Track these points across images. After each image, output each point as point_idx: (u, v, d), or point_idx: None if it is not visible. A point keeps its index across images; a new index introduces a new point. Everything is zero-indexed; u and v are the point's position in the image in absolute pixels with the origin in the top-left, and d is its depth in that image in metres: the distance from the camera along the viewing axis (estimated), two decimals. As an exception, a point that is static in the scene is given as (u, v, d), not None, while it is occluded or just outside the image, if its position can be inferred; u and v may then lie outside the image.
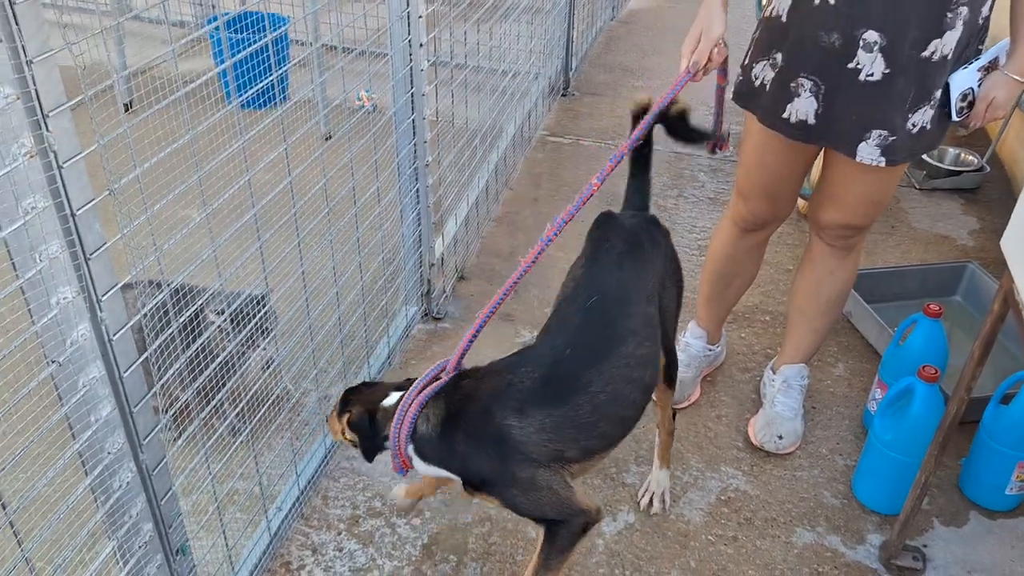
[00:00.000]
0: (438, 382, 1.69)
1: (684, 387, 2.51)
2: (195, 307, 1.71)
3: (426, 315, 2.91)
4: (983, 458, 2.22)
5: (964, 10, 1.78)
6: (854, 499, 2.26)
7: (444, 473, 1.68)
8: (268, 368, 2.06)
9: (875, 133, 1.91)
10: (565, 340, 1.68)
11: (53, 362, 1.16)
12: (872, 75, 1.85)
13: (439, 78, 2.91)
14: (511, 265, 3.25)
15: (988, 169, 3.80)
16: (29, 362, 1.19)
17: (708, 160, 3.98)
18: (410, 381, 1.74)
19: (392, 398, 1.72)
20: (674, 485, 2.28)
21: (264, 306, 1.99)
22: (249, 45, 1.69)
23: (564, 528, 1.64)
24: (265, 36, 1.67)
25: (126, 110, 3.98)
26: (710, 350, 2.60)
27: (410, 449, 1.66)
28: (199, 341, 1.60)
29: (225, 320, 1.87)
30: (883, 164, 1.94)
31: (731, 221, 2.35)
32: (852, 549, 2.12)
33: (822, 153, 2.14)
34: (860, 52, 1.84)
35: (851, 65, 1.86)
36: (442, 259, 2.98)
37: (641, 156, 2.01)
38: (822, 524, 2.18)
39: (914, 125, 1.91)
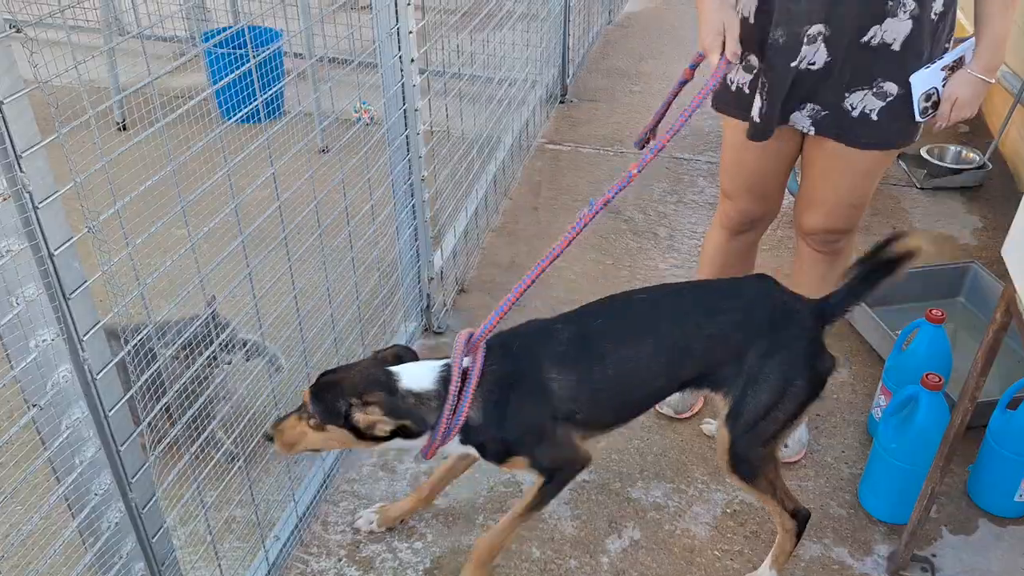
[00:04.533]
0: (476, 363, 1.67)
1: (686, 399, 2.47)
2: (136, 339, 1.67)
3: (427, 330, 2.88)
4: (991, 464, 2.18)
5: (911, 3, 1.79)
6: (860, 509, 2.22)
7: (473, 451, 1.77)
8: (249, 356, 2.05)
9: (808, 106, 1.95)
10: (601, 313, 1.81)
11: (34, 406, 1.14)
12: (814, 64, 1.89)
13: (434, 90, 2.89)
14: (512, 275, 3.22)
15: (990, 166, 3.76)
16: (9, 407, 1.17)
17: (707, 165, 3.95)
18: (397, 357, 1.74)
19: (415, 380, 1.67)
20: (679, 499, 2.26)
21: (214, 320, 1.94)
22: (242, 60, 1.67)
23: (562, 475, 1.83)
24: (259, 52, 1.66)
25: (122, 130, 3.98)
26: None
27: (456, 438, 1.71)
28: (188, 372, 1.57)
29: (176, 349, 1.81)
30: (812, 132, 1.97)
31: (720, 225, 2.35)
32: (860, 561, 2.08)
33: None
34: (804, 47, 1.87)
35: (794, 64, 1.89)
36: (441, 273, 2.96)
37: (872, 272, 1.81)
38: (829, 535, 2.15)
39: (852, 107, 1.92)
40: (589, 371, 1.73)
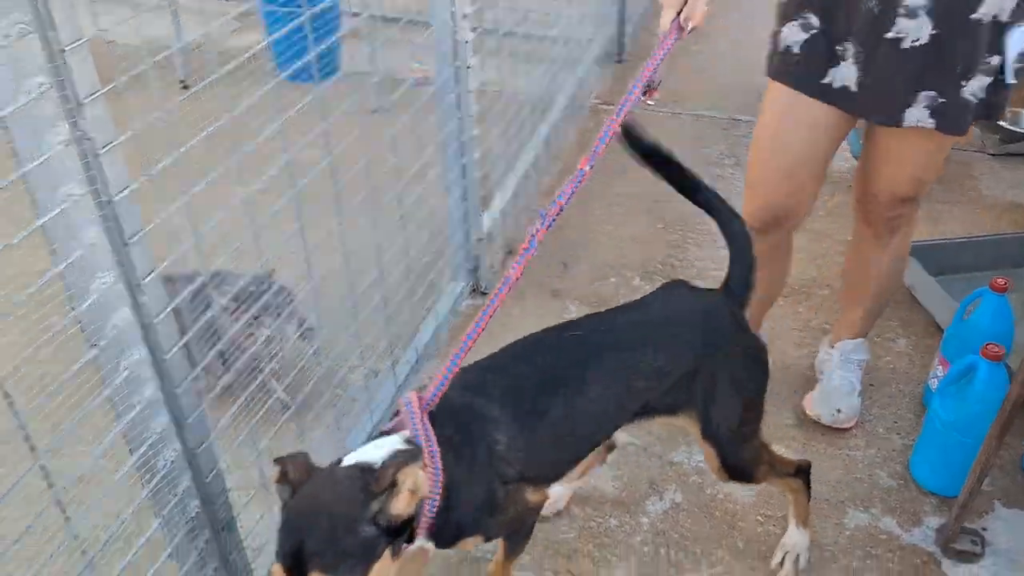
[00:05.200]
0: (431, 434, 1.35)
1: None
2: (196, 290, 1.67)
3: (474, 291, 2.90)
4: (1051, 439, 2.12)
5: None
6: (911, 480, 2.18)
7: (430, 545, 1.44)
8: (304, 336, 2.09)
9: (923, 95, 1.78)
10: (532, 359, 1.57)
11: (94, 346, 1.19)
12: (918, 40, 1.73)
13: (486, 48, 2.87)
14: (560, 239, 3.21)
15: (1067, 132, 3.59)
16: (69, 347, 1.22)
17: (766, 127, 3.85)
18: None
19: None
20: (723, 463, 2.25)
21: (269, 286, 1.98)
22: (300, 17, 1.69)
23: (520, 531, 1.65)
24: (315, 7, 1.67)
25: (185, 88, 4.06)
26: None
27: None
28: (236, 327, 1.62)
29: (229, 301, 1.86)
30: (932, 126, 1.80)
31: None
32: (908, 532, 2.05)
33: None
34: (900, 20, 1.72)
35: (890, 35, 1.74)
36: (490, 234, 2.96)
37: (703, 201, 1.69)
38: (876, 505, 2.12)
39: (973, 95, 1.79)
40: (532, 428, 1.49)
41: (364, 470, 1.24)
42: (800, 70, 1.88)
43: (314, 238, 1.84)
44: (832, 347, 2.42)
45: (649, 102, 1.78)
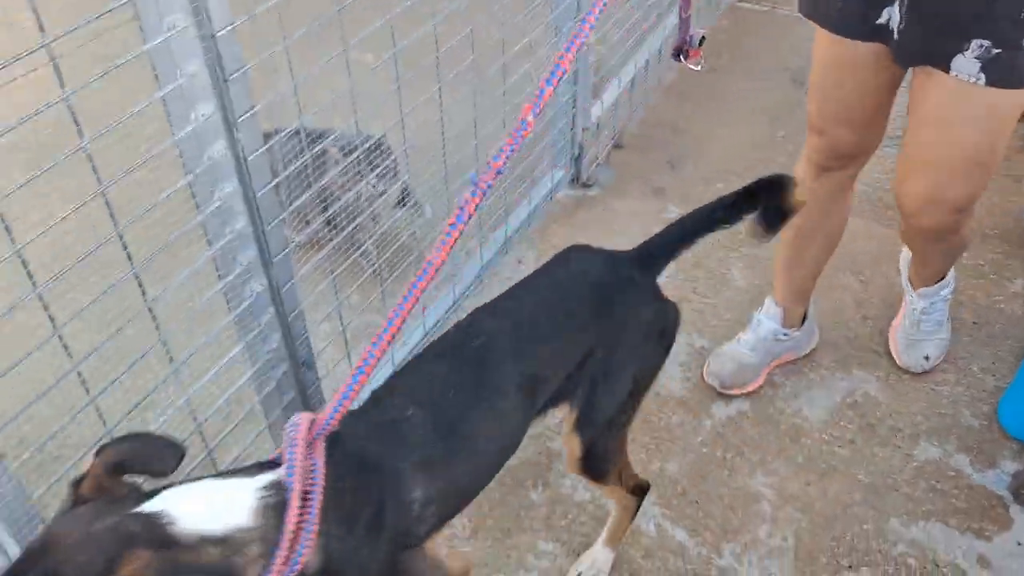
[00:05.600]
0: (319, 475, 1.05)
1: (744, 371, 2.16)
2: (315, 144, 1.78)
3: (574, 180, 2.89)
4: None
5: None
6: (996, 423, 2.09)
7: None
8: (404, 203, 2.15)
9: (975, 44, 1.51)
10: (446, 376, 1.33)
11: (189, 173, 1.28)
12: None
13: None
14: (676, 137, 3.13)
15: None
16: (170, 176, 1.31)
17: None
18: (133, 458, 0.99)
19: (209, 517, 0.96)
20: (798, 380, 2.21)
21: (380, 146, 2.04)
22: None
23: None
24: None
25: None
26: (785, 335, 2.18)
27: None
28: (328, 176, 1.69)
29: (345, 156, 1.95)
30: (982, 82, 1.52)
31: (807, 159, 1.96)
32: (980, 472, 1.98)
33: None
34: None
35: None
36: (598, 124, 2.92)
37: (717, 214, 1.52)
38: (952, 442, 2.05)
39: None
40: (451, 470, 1.26)
41: (145, 525, 0.93)
42: (841, 16, 1.67)
43: (411, 104, 1.87)
44: (915, 292, 2.27)
45: (691, 66, 1.57)
